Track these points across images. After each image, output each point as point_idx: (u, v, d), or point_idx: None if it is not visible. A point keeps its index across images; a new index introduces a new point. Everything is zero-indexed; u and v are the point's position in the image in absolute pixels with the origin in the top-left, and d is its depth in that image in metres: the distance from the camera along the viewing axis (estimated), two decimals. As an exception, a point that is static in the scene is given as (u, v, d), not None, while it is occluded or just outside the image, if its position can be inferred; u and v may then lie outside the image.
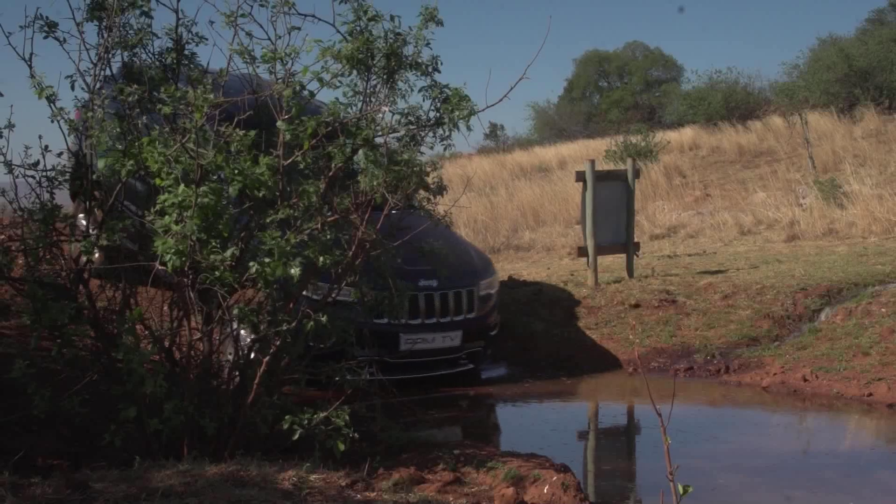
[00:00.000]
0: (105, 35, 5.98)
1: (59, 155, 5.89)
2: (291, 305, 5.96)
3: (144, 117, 6.05)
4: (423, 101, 6.20)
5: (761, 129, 31.18)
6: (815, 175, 22.47)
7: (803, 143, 25.16)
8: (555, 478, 5.41)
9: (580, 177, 12.94)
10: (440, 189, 6.53)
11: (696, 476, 6.34)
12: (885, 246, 15.45)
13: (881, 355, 9.35)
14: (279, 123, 5.86)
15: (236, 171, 5.56)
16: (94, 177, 5.98)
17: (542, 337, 10.98)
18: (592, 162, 12.99)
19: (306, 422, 5.56)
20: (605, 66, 55.91)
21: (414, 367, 9.15)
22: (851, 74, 32.33)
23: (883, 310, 10.57)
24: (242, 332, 6.39)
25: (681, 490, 4.01)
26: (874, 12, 43.10)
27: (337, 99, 6.00)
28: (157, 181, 5.57)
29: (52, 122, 5.84)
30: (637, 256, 13.54)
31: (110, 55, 6.02)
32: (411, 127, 6.12)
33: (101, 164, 5.86)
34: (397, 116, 6.16)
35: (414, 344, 9.02)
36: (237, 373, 5.95)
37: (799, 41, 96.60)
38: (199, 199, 5.35)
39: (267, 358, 5.79)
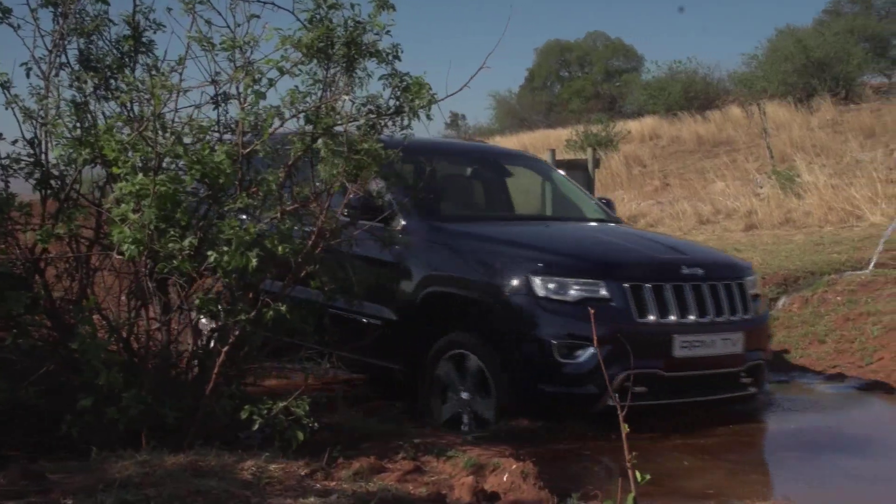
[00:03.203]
0: (60, 22, 5.90)
1: (14, 143, 5.82)
2: (251, 295, 5.91)
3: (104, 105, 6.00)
4: (384, 89, 6.17)
5: (720, 119, 31.41)
6: (773, 165, 22.64)
7: (761, 134, 25.34)
8: (514, 466, 5.40)
9: (541, 166, 12.94)
10: (397, 177, 6.51)
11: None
12: (841, 235, 15.61)
13: (836, 343, 9.46)
14: (238, 112, 5.83)
15: (195, 160, 5.52)
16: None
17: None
18: (553, 151, 13.08)
19: (266, 412, 5.51)
20: (567, 56, 56.01)
21: (691, 386, 6.99)
22: (809, 65, 32.63)
23: (838, 298, 10.69)
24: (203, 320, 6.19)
25: (639, 477, 4.04)
26: (831, 3, 43.54)
27: (296, 87, 5.96)
28: (114, 169, 5.52)
29: (6, 109, 5.78)
30: (597, 245, 13.54)
31: (66, 42, 5.95)
32: (371, 115, 6.08)
33: (56, 152, 5.80)
34: (357, 105, 6.11)
35: (691, 348, 6.87)
36: (196, 362, 5.90)
37: (758, 32, 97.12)
38: (156, 188, 5.30)
39: (226, 348, 5.74)
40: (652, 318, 6.72)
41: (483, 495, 4.95)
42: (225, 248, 5.40)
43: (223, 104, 6.08)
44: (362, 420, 6.66)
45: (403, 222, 7.47)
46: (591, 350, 6.43)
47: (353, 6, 5.96)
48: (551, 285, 6.57)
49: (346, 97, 6.00)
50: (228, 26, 5.89)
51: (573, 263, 6.83)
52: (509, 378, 6.60)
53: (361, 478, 5.00)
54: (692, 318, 6.90)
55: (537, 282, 6.60)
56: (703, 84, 38.42)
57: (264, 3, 5.97)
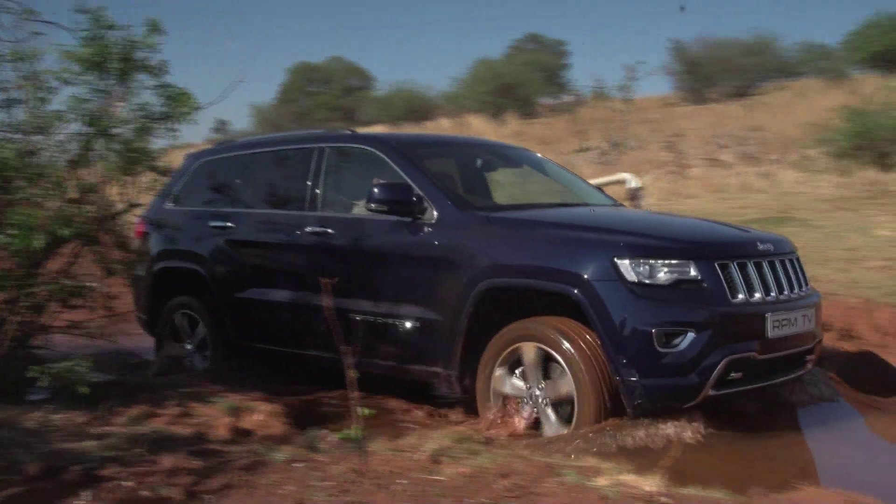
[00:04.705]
0: None
1: None
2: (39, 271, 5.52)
3: None
4: (155, 97, 5.91)
5: (434, 128, 31.90)
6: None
7: (465, 140, 25.93)
8: (266, 408, 5.30)
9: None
10: (166, 172, 6.22)
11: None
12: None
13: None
14: (24, 114, 5.46)
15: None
16: None
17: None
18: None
19: (53, 371, 5.17)
20: (313, 75, 55.52)
21: (775, 367, 5.34)
22: (500, 88, 33.78)
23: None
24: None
25: (366, 412, 4.03)
26: (516, 41, 45.37)
27: (76, 95, 5.61)
28: None
29: None
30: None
31: None
32: (143, 120, 5.80)
33: None
34: (131, 110, 5.83)
35: (781, 327, 5.24)
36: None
37: (464, 59, 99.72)
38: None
39: (17, 317, 5.34)
40: (741, 297, 5.08)
41: (239, 431, 4.84)
42: (13, 232, 5.06)
43: (10, 108, 5.65)
44: (142, 375, 6.38)
45: (437, 214, 5.62)
46: (691, 336, 4.85)
47: (126, 27, 5.69)
48: (641, 269, 4.90)
49: (121, 104, 5.72)
50: (14, 41, 5.49)
51: (659, 244, 5.10)
52: (597, 373, 4.95)
53: (136, 422, 4.78)
54: (774, 295, 5.29)
55: (626, 265, 4.90)
56: (421, 100, 39.00)
57: (47, 22, 5.61)
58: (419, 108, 37.40)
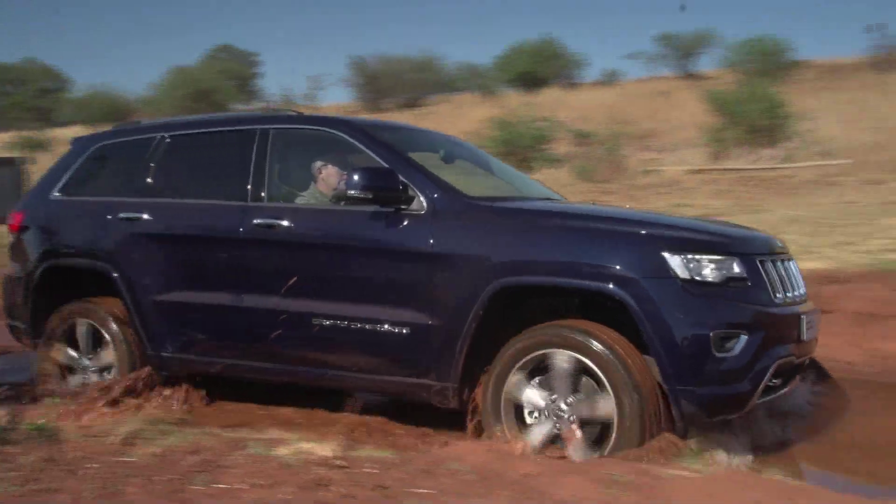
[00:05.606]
0: None
1: None
2: None
3: None
4: None
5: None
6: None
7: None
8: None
9: (-19, 164, 11.72)
10: None
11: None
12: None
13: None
14: None
15: None
16: None
17: None
18: (-10, 152, 11.83)
19: None
20: (5, 76, 50.78)
21: (794, 373, 4.49)
22: (196, 93, 33.36)
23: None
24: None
25: (56, 401, 3.84)
26: (209, 51, 44.69)
27: None
28: None
29: None
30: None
31: None
32: None
33: None
34: None
35: (809, 329, 4.39)
36: None
37: (161, 66, 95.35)
38: None
39: None
40: (780, 296, 4.23)
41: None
42: None
43: None
44: None
45: (426, 203, 4.47)
46: (744, 339, 3.98)
47: None
48: (692, 265, 3.97)
49: None
50: None
51: (702, 238, 4.16)
52: (642, 384, 3.97)
53: None
54: (799, 295, 4.45)
55: (677, 261, 3.97)
56: (119, 103, 37.11)
57: None
58: (117, 111, 35.55)
